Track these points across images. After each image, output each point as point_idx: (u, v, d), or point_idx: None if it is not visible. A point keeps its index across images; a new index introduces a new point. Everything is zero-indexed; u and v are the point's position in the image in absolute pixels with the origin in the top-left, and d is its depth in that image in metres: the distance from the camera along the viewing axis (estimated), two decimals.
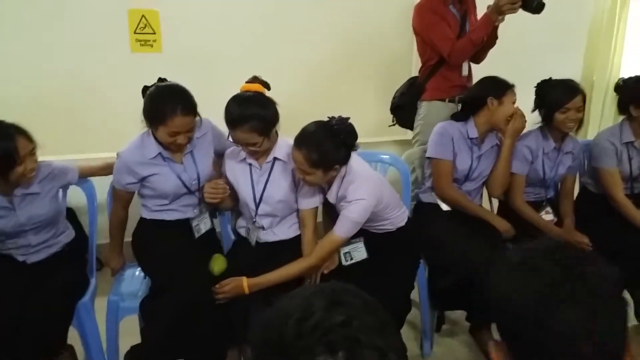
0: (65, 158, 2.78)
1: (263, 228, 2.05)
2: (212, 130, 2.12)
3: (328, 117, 1.83)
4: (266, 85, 1.97)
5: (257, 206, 2.02)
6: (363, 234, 2.02)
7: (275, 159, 1.98)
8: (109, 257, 2.19)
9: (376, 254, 2.02)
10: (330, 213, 2.09)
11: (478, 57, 2.71)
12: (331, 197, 1.95)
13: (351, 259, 2.04)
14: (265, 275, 1.87)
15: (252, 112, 1.83)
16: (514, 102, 2.27)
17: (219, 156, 2.14)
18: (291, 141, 1.86)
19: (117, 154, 2.02)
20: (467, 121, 2.34)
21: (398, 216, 2.10)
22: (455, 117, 2.38)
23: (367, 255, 2.03)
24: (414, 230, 2.17)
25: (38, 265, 1.98)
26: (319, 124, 1.83)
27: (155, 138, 1.95)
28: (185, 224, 2.10)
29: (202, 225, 2.14)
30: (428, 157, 2.38)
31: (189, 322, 1.82)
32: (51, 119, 3.10)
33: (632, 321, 2.55)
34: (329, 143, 1.77)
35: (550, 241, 0.87)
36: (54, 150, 2.76)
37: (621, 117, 2.51)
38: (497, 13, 2.36)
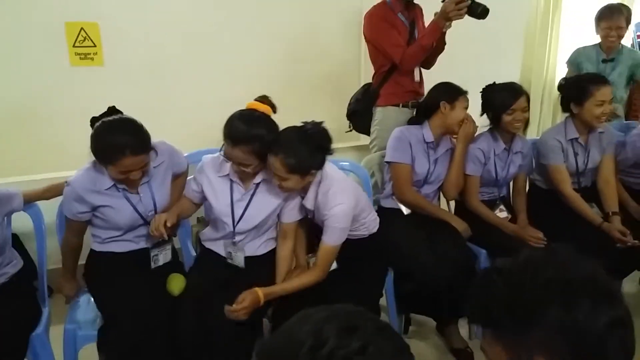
0: (7, 181, 2.63)
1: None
2: (169, 156, 2.00)
3: (302, 123, 1.82)
4: (274, 108, 1.88)
5: (235, 226, 1.95)
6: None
7: (263, 180, 1.93)
8: (61, 284, 2.04)
9: (347, 261, 2.01)
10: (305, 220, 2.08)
11: (428, 63, 2.78)
12: (308, 203, 1.92)
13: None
14: (279, 284, 1.88)
15: (258, 133, 1.76)
16: (466, 108, 2.35)
17: (176, 177, 2.07)
18: None
19: (67, 182, 1.86)
20: (423, 125, 2.39)
21: (372, 221, 2.12)
22: (411, 121, 2.46)
23: (336, 265, 2.00)
24: (383, 237, 2.18)
25: None
26: (293, 129, 1.81)
27: None
28: (139, 254, 1.98)
29: (162, 257, 2.01)
30: (387, 162, 2.41)
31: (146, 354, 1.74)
32: None
33: None
34: (305, 148, 1.76)
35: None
36: None
37: (559, 116, 2.67)
38: (444, 19, 2.43)
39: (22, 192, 2.02)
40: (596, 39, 3.29)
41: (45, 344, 1.86)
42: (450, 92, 2.34)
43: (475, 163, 2.46)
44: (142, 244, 2.00)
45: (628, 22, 3.08)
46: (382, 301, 2.26)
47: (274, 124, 1.83)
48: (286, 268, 1.98)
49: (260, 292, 1.78)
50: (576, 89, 2.45)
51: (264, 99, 1.87)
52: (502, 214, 2.53)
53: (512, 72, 4.11)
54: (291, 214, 1.98)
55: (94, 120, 1.79)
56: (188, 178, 2.08)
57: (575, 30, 4.23)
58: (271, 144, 1.77)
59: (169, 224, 1.85)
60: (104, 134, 1.73)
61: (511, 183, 2.67)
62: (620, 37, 3.10)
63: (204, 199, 2.00)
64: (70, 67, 3.12)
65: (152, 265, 1.98)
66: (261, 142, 1.76)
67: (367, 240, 2.09)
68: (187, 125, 3.14)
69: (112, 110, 1.83)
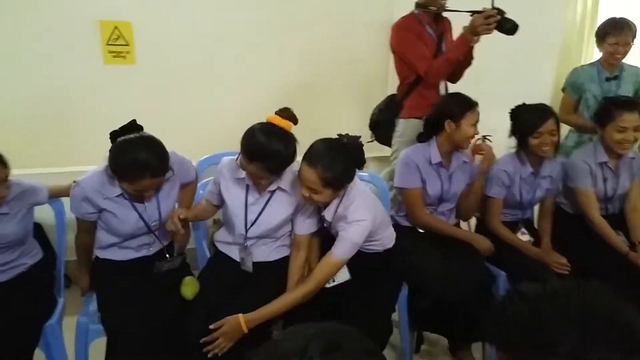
0: (41, 172, 2.71)
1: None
2: (179, 167, 1.98)
3: (338, 135, 1.79)
4: (294, 120, 1.82)
5: (247, 230, 1.95)
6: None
7: (278, 188, 1.91)
8: (77, 276, 2.09)
9: (360, 274, 1.98)
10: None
11: (454, 76, 2.75)
12: (328, 215, 1.88)
13: (333, 280, 1.95)
14: (262, 308, 1.76)
15: (275, 149, 1.72)
16: (475, 123, 2.23)
17: (184, 185, 2.08)
18: (296, 168, 1.81)
19: (75, 182, 1.87)
20: (430, 143, 2.32)
21: (387, 237, 2.08)
22: (419, 137, 2.39)
23: (349, 277, 1.97)
24: (398, 252, 2.14)
25: (2, 286, 1.88)
26: (331, 142, 1.77)
27: None
28: (139, 262, 1.98)
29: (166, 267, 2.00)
30: (396, 187, 2.36)
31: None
32: (26, 133, 3.01)
33: None
34: (343, 162, 1.73)
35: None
36: (29, 163, 2.69)
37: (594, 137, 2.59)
38: (472, 34, 2.40)
39: (49, 186, 2.06)
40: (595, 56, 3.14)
41: (57, 335, 1.90)
42: (456, 109, 2.21)
43: (499, 185, 2.39)
44: (144, 252, 2.00)
45: (634, 38, 2.92)
46: (395, 316, 2.22)
47: (291, 139, 1.79)
48: (297, 279, 1.93)
49: (242, 318, 1.71)
50: (603, 110, 2.40)
51: (284, 112, 1.81)
52: (524, 236, 2.45)
53: (545, 89, 4.03)
54: (305, 225, 1.95)
55: (114, 135, 1.76)
56: (207, 179, 2.08)
57: None
58: (287, 166, 1.77)
59: (181, 217, 1.88)
60: (127, 152, 1.71)
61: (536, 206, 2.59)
62: (626, 53, 2.94)
63: (222, 201, 2.00)
64: (103, 65, 3.20)
65: (155, 270, 1.97)
66: (277, 158, 1.74)
67: (382, 255, 2.06)
68: (210, 128, 3.18)
69: (133, 125, 1.81)
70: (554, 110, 2.37)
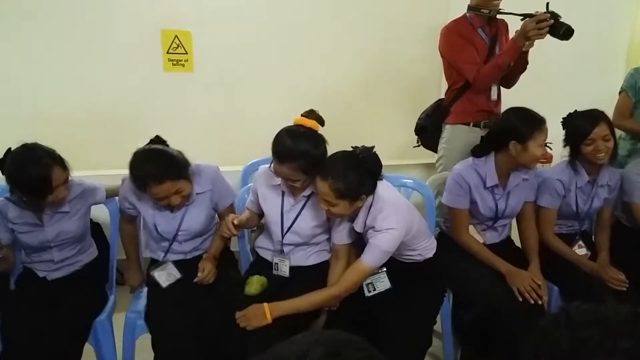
0: (103, 174, 2.87)
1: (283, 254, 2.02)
2: (215, 184, 2.06)
3: (352, 147, 1.78)
4: (321, 121, 1.85)
5: (283, 236, 1.98)
6: (387, 262, 1.90)
7: (313, 193, 1.92)
8: (127, 275, 2.19)
9: (400, 284, 1.94)
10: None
11: (508, 82, 2.65)
12: (358, 226, 1.87)
13: (374, 289, 1.94)
14: (288, 301, 1.79)
15: (303, 149, 1.74)
16: (543, 142, 2.03)
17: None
18: None
19: (123, 179, 2.04)
20: (487, 160, 2.16)
21: (426, 247, 2.02)
22: (473, 152, 2.22)
23: (390, 285, 1.94)
24: (441, 263, 2.07)
25: (58, 282, 2.00)
26: (344, 154, 1.77)
27: None
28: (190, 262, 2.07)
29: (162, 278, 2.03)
30: (444, 203, 2.26)
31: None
32: (89, 136, 3.20)
33: None
34: (355, 173, 1.72)
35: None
36: (91, 165, 2.86)
37: None
38: (523, 39, 2.30)
39: (105, 186, 2.18)
40: None
41: (106, 330, 1.98)
42: (523, 129, 2.02)
43: (553, 195, 2.26)
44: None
45: None
46: (438, 328, 2.15)
47: (320, 139, 1.80)
48: None
49: (267, 306, 1.75)
50: None
51: (310, 114, 1.84)
52: (580, 250, 2.31)
53: (611, 94, 3.78)
54: (341, 236, 1.93)
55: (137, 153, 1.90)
56: (245, 187, 2.14)
57: None
58: (319, 167, 1.76)
59: (235, 222, 1.93)
60: (133, 164, 1.86)
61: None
62: None
63: (261, 209, 2.04)
64: (163, 72, 3.35)
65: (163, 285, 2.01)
66: (307, 158, 1.75)
67: (422, 265, 2.01)
68: (262, 135, 3.24)
69: (156, 139, 1.95)
70: (606, 115, 2.21)
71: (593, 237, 2.45)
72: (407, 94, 3.60)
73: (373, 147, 1.77)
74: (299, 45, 3.45)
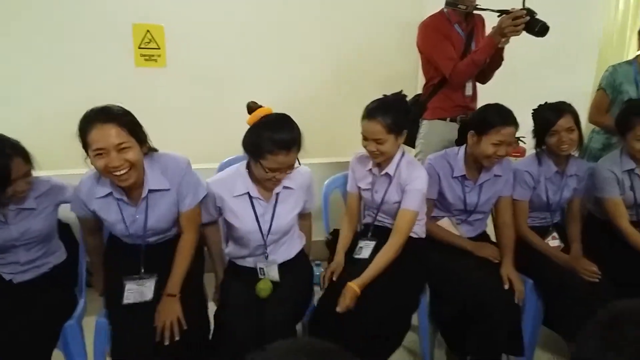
0: (71, 173, 2.78)
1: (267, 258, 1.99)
2: (187, 187, 1.87)
3: (383, 95, 2.05)
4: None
5: (265, 240, 1.95)
6: (383, 234, 2.08)
7: (284, 187, 1.94)
8: (96, 281, 2.10)
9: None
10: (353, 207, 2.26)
11: (484, 78, 2.66)
12: (391, 169, 2.07)
13: (360, 254, 2.12)
14: (365, 273, 1.92)
15: (297, 133, 1.80)
16: (498, 143, 2.07)
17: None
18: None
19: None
20: (460, 151, 2.25)
21: (422, 221, 2.16)
22: (457, 142, 2.33)
23: (368, 256, 2.07)
24: (426, 247, 2.18)
25: (25, 285, 1.93)
26: (377, 100, 2.03)
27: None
28: None
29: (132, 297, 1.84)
30: None
31: None
32: (57, 133, 3.09)
33: None
34: (395, 110, 1.97)
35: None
36: (59, 164, 2.77)
37: None
38: (500, 35, 2.31)
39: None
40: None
41: (76, 335, 1.91)
42: (484, 123, 2.10)
43: (523, 187, 2.30)
44: None
45: None
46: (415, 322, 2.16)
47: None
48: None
49: (353, 284, 1.87)
50: (622, 118, 2.29)
51: (255, 105, 1.85)
52: (554, 242, 2.35)
53: (584, 89, 3.84)
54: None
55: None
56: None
57: None
58: (366, 113, 1.99)
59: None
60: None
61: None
62: None
63: (226, 222, 1.98)
64: (135, 68, 3.27)
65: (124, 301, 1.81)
66: (299, 140, 1.81)
67: (412, 244, 2.07)
68: (237, 132, 3.20)
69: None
70: (572, 107, 2.25)
71: (566, 228, 2.48)
72: (384, 89, 3.54)
73: (401, 90, 2.06)
74: (274, 41, 3.41)
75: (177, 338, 1.68)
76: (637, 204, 2.32)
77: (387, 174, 2.09)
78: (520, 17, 2.22)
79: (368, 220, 2.25)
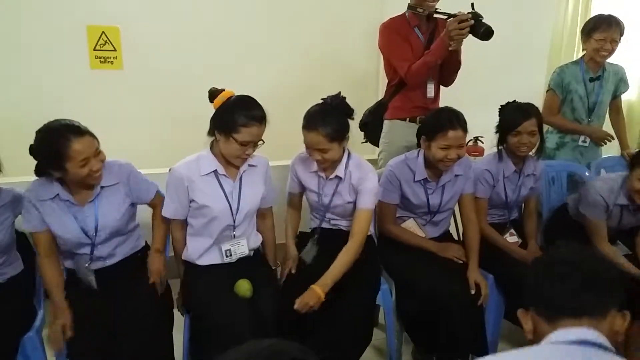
0: (24, 180, 2.67)
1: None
2: (129, 178, 1.98)
3: (322, 99, 2.02)
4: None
5: (234, 218, 1.98)
6: (332, 236, 2.16)
7: (248, 165, 2.00)
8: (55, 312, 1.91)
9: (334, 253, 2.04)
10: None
11: (445, 80, 2.71)
12: (340, 172, 2.08)
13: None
14: (326, 274, 1.94)
15: (263, 110, 1.89)
16: (446, 147, 2.09)
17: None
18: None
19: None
20: (419, 154, 2.26)
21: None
22: (418, 144, 2.31)
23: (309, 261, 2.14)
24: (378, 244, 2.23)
25: None
26: (318, 106, 2.01)
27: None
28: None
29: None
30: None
31: None
32: (10, 139, 2.96)
33: None
34: (335, 116, 1.97)
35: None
36: (14, 171, 2.66)
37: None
38: (448, 38, 2.36)
39: None
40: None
41: (36, 347, 1.85)
42: (433, 128, 2.13)
43: (483, 184, 2.36)
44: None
45: (621, 36, 2.80)
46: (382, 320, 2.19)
47: None
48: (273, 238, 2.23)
49: (317, 287, 1.88)
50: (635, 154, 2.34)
51: (217, 89, 1.94)
52: (512, 238, 2.44)
53: (536, 89, 3.99)
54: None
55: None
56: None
57: None
58: (305, 123, 1.99)
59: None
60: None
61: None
62: (612, 51, 2.80)
63: (194, 210, 1.98)
64: (90, 70, 3.18)
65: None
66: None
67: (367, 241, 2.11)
68: (197, 131, 3.16)
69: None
70: (538, 111, 2.33)
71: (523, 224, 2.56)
72: (347, 90, 3.59)
73: (339, 92, 2.03)
74: (234, 42, 3.39)
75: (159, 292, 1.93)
76: (619, 229, 2.39)
77: (336, 177, 2.10)
78: (465, 20, 2.28)
79: (314, 224, 2.28)
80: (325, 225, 2.23)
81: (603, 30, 2.77)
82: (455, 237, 2.55)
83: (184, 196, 1.94)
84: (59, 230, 1.86)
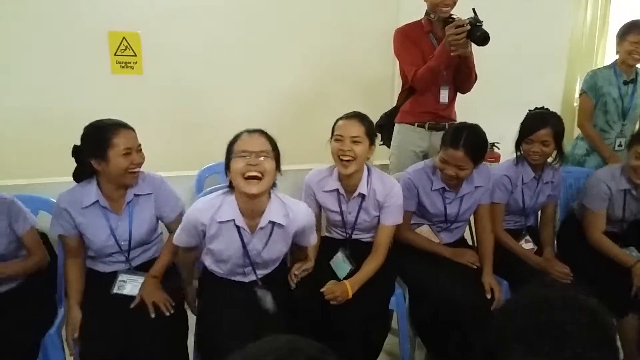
0: (47, 181, 2.75)
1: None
2: (160, 190, 2.03)
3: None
4: None
5: (253, 268, 1.89)
6: (352, 244, 2.16)
7: (274, 224, 1.82)
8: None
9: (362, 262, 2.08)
10: None
11: (460, 87, 2.70)
12: (363, 188, 2.07)
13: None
14: (357, 275, 2.00)
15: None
16: (442, 161, 2.13)
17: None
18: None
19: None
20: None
21: None
22: None
23: (352, 266, 2.10)
24: (392, 249, 2.20)
25: (1, 296, 1.89)
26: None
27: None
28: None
29: (129, 287, 1.95)
30: None
31: None
32: (34, 142, 3.06)
33: None
34: (368, 119, 2.08)
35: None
36: (36, 173, 2.73)
37: None
38: (447, 44, 2.37)
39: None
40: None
41: (56, 345, 1.88)
42: (443, 137, 2.17)
43: (502, 190, 2.35)
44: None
45: None
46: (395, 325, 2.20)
47: None
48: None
49: (348, 283, 1.94)
50: (632, 137, 2.35)
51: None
52: (527, 244, 2.42)
53: (554, 94, 3.97)
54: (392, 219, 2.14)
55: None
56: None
57: None
58: (341, 117, 2.08)
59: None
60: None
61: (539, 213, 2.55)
62: None
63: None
64: (111, 75, 3.25)
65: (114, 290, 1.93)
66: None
67: None
68: (215, 137, 3.20)
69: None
70: (557, 121, 2.29)
71: (539, 231, 2.54)
72: (361, 95, 3.65)
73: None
74: (251, 49, 3.43)
75: (167, 314, 1.82)
76: (624, 219, 2.40)
77: (360, 194, 2.08)
78: (461, 26, 2.29)
79: (338, 236, 2.24)
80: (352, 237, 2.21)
81: (636, 33, 2.78)
82: (470, 243, 2.55)
83: (196, 237, 1.86)
84: (92, 236, 1.91)
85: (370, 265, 2.04)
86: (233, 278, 1.92)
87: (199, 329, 1.85)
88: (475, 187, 2.26)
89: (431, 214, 2.29)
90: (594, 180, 2.40)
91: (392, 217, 2.10)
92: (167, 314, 1.82)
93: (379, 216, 2.11)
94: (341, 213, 2.13)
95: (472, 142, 2.07)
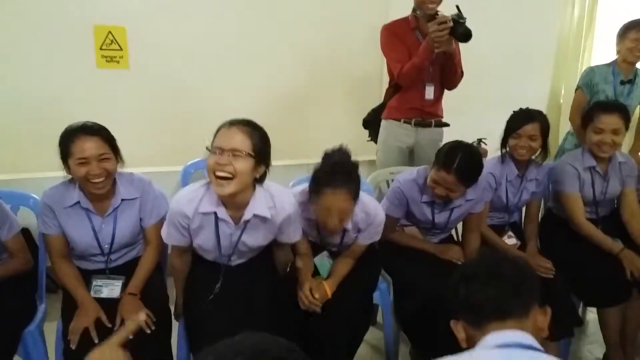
0: (29, 176, 2.73)
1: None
2: (152, 202, 1.96)
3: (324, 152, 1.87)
4: None
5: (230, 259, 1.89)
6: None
7: (254, 215, 1.76)
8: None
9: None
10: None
11: (446, 83, 2.71)
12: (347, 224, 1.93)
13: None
14: (332, 276, 1.98)
15: None
16: (434, 181, 2.08)
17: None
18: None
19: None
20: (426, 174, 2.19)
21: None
22: None
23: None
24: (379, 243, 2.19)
25: None
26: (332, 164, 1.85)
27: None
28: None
29: (106, 290, 1.90)
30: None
31: None
32: (17, 137, 3.03)
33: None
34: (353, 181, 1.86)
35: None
36: (16, 168, 2.70)
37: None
38: (431, 40, 2.37)
39: None
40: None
41: (37, 341, 1.87)
42: (437, 156, 2.09)
43: (486, 187, 2.35)
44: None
45: None
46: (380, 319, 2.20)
47: None
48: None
49: (326, 284, 1.91)
50: (586, 112, 2.40)
51: None
52: (510, 240, 2.44)
53: (542, 92, 3.99)
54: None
55: None
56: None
57: (608, 53, 4.06)
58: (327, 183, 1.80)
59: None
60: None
61: (523, 209, 2.57)
62: None
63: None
64: (96, 69, 3.22)
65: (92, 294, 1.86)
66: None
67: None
68: (201, 132, 3.19)
69: None
70: (543, 118, 2.32)
71: (522, 227, 2.57)
72: (350, 91, 3.65)
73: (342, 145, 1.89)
74: (240, 43, 3.41)
75: (147, 331, 1.69)
76: (595, 200, 2.42)
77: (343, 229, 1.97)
78: (444, 22, 2.30)
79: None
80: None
81: (637, 30, 2.81)
82: (456, 239, 2.56)
83: (184, 230, 1.79)
84: (74, 237, 1.87)
85: (344, 268, 2.01)
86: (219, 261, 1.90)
87: (186, 317, 1.87)
88: (467, 200, 2.22)
89: (419, 220, 2.29)
90: (559, 165, 2.44)
91: (368, 238, 2.04)
92: (148, 331, 1.70)
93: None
94: (322, 239, 2.09)
95: (465, 166, 2.00)
